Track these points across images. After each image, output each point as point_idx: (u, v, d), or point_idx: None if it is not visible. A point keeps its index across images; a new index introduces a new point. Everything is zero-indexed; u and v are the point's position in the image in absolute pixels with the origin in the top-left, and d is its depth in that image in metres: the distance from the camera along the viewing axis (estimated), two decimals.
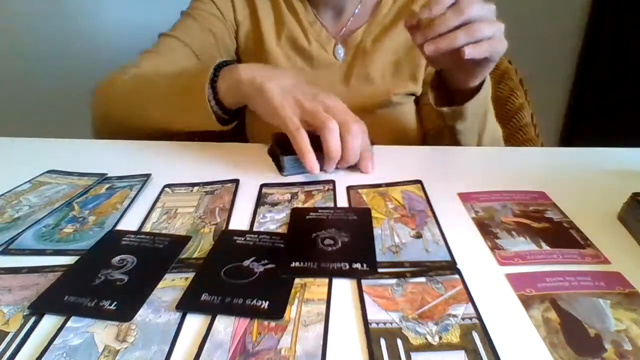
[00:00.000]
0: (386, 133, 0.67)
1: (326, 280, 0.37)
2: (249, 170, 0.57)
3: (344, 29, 0.78)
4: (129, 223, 0.46)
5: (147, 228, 0.45)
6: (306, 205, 0.49)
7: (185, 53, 0.74)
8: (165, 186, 0.53)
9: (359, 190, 0.52)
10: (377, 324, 0.32)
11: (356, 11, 0.78)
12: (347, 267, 0.38)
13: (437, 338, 0.31)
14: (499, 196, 0.50)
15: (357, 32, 0.78)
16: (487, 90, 0.63)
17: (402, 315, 0.33)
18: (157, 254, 0.41)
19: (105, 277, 0.37)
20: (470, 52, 0.51)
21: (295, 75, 0.57)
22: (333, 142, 0.50)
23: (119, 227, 0.46)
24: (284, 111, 0.52)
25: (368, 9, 0.79)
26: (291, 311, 0.33)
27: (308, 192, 0.52)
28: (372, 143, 0.57)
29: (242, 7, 0.79)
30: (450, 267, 0.38)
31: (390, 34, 0.77)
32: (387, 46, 0.77)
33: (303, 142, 0.51)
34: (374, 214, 0.46)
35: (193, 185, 0.54)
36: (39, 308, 0.34)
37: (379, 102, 0.77)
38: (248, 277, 0.37)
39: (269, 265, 0.38)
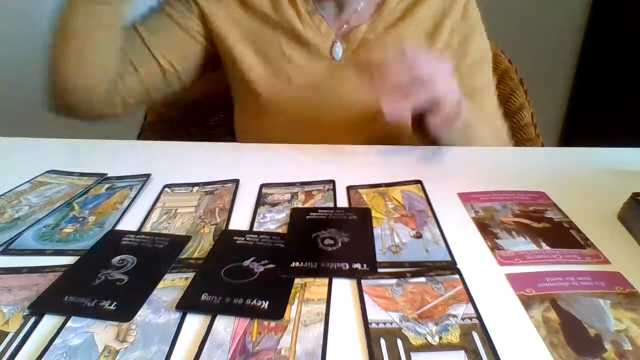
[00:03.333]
0: (383, 138, 0.66)
1: (326, 280, 0.37)
2: (249, 170, 0.57)
3: (345, 26, 0.76)
4: (129, 223, 0.46)
5: (147, 228, 0.45)
6: (306, 205, 0.49)
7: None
8: (165, 186, 0.53)
9: (359, 190, 0.51)
10: (377, 324, 0.32)
11: (359, 8, 0.77)
12: (347, 267, 0.38)
13: (437, 338, 0.31)
14: (499, 196, 0.50)
15: (359, 28, 0.75)
16: (460, 131, 0.63)
17: (402, 315, 0.33)
18: (157, 254, 0.41)
19: (105, 277, 0.37)
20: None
21: None
22: None
23: (119, 227, 0.46)
24: None
25: (372, 6, 0.76)
26: (291, 311, 0.33)
27: (308, 192, 0.52)
28: None
29: None
30: (450, 267, 0.38)
31: (395, 31, 0.75)
32: (391, 44, 0.76)
33: None
34: (374, 214, 0.46)
35: (193, 185, 0.54)
36: (39, 308, 0.34)
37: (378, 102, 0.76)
38: (248, 277, 0.37)
39: (269, 265, 0.38)
